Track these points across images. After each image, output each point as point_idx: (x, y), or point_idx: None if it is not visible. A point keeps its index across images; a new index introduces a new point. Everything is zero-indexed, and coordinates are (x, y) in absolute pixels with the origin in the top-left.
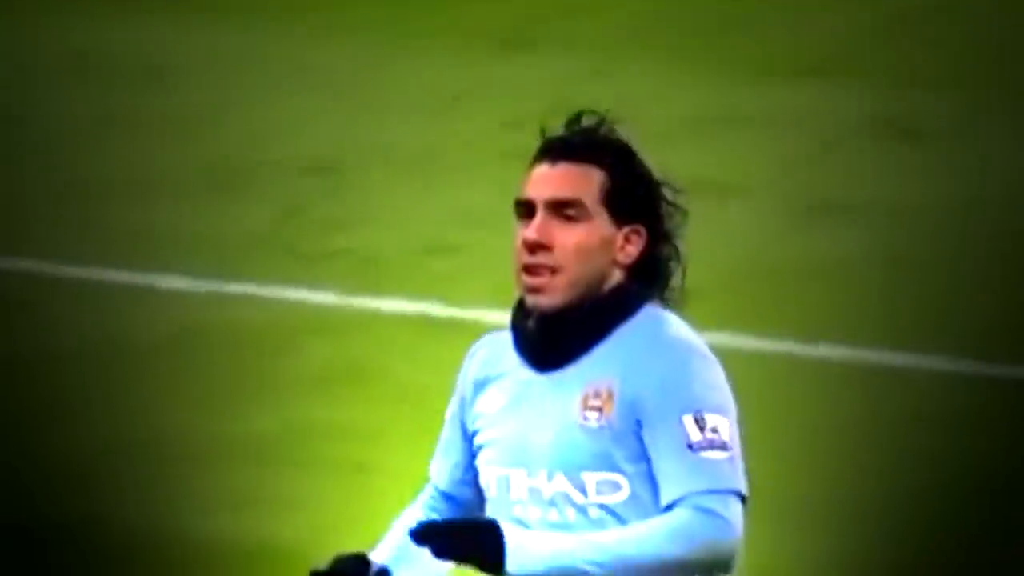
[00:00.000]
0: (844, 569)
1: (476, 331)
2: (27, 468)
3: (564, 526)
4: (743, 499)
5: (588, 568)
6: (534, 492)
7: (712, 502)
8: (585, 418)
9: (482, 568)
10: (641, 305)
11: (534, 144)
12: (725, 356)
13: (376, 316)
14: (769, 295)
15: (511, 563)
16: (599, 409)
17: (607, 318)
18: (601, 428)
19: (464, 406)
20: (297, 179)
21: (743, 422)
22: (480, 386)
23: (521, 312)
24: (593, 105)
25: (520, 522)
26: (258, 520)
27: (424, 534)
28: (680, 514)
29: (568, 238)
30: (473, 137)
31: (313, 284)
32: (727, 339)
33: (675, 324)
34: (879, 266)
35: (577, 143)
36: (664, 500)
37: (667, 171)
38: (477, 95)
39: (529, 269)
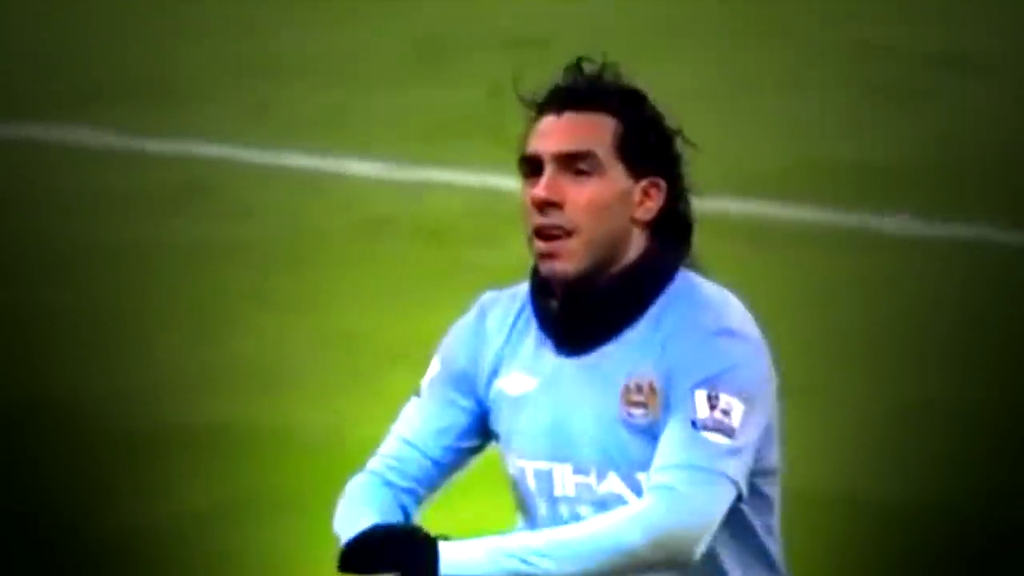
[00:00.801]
0: None
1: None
2: (202, 367)
3: None
4: (738, 491)
5: (537, 562)
6: (584, 489)
7: (683, 481)
8: (631, 415)
9: None
10: (673, 275)
11: (749, 16)
12: (968, 251)
13: None
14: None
15: (445, 569)
16: (644, 405)
17: (642, 295)
18: (649, 424)
19: (478, 374)
20: (501, 54)
21: (980, 320)
22: (500, 359)
23: (538, 280)
24: None
25: (561, 519)
26: None
27: (357, 551)
28: (646, 497)
29: (580, 194)
30: (690, 12)
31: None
32: (977, 231)
33: (711, 299)
34: None
35: (583, 90)
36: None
37: (915, 46)
38: None
39: (541, 232)
